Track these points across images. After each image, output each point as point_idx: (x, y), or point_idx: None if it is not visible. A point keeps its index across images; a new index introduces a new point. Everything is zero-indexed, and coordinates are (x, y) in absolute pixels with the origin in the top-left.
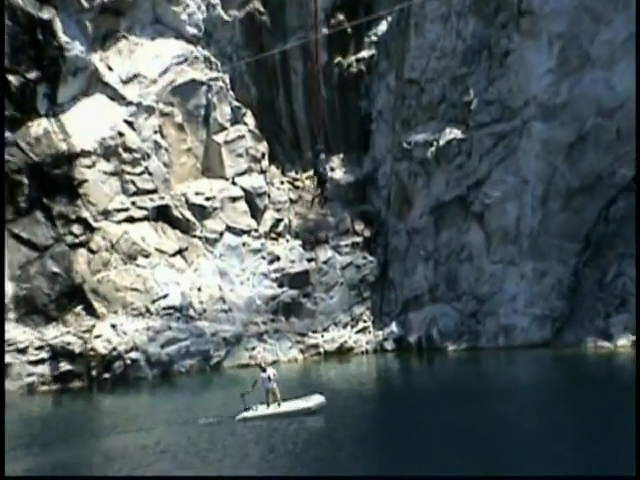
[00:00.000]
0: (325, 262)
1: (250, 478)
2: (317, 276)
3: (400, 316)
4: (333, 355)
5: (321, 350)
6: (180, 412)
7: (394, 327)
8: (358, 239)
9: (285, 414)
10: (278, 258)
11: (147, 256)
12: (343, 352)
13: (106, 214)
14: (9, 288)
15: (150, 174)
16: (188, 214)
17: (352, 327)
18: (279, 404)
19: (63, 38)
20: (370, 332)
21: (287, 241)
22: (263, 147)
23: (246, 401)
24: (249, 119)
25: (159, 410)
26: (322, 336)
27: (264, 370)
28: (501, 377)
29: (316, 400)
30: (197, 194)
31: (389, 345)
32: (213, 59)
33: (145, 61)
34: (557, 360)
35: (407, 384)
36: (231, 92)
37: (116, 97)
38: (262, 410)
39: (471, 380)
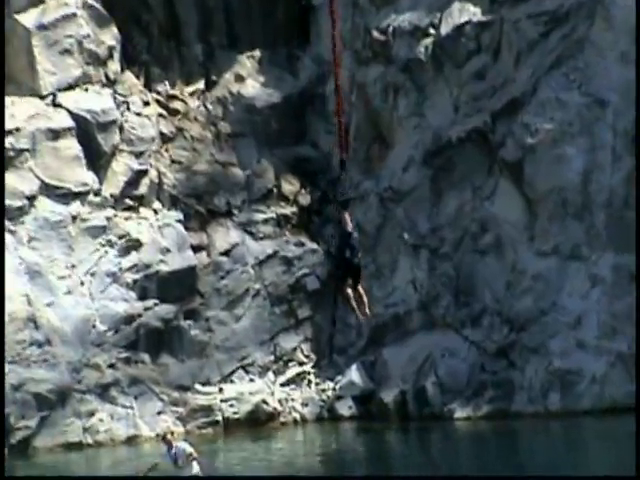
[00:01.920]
0: (226, 252)
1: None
2: (211, 279)
3: (367, 354)
4: (241, 427)
5: (219, 417)
6: None
7: (355, 375)
8: (289, 210)
9: None
10: (138, 245)
11: None
12: (260, 421)
13: None
14: None
15: None
16: None
17: (277, 374)
18: None
19: None
20: (311, 384)
21: (155, 213)
22: (112, 37)
23: None
24: None
25: None
26: (220, 391)
27: (170, 446)
28: None
29: None
30: None
31: (345, 408)
32: None
33: None
34: None
35: None
36: None
37: None
38: None
39: None
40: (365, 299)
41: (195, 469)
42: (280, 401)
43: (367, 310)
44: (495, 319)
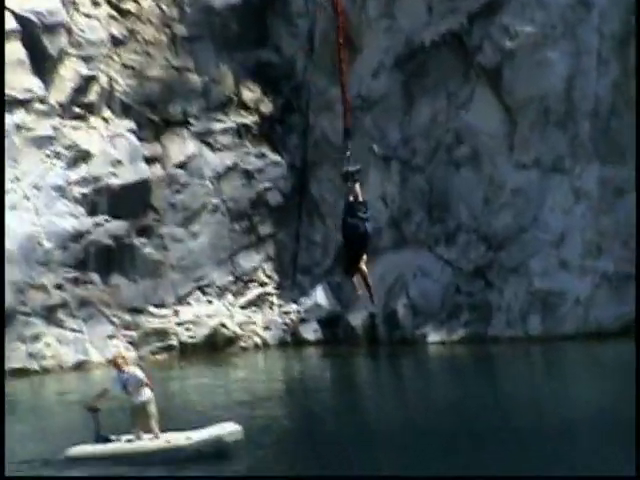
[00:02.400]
0: (182, 165)
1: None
2: (166, 193)
3: (333, 274)
4: (198, 352)
5: (174, 342)
6: None
7: (321, 296)
8: (249, 119)
9: (171, 455)
10: (87, 156)
11: None
12: (218, 346)
13: None
14: None
15: None
16: None
17: (236, 296)
18: (157, 435)
19: None
20: (273, 306)
21: (106, 122)
22: None
23: (99, 421)
24: None
25: None
26: (175, 313)
27: (120, 370)
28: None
29: (228, 431)
30: None
31: (310, 332)
32: None
33: None
34: None
35: (357, 418)
36: None
37: None
38: (125, 445)
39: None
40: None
41: (146, 396)
42: (240, 325)
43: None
44: (471, 236)
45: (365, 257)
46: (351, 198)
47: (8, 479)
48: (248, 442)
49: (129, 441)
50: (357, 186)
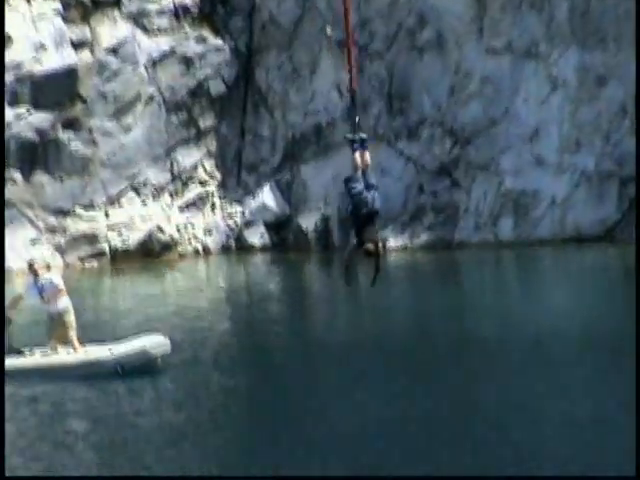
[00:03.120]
0: (114, 50)
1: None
2: (95, 82)
3: (282, 172)
4: (131, 258)
5: (104, 247)
6: None
7: (268, 197)
8: None
9: (90, 369)
10: (8, 41)
11: None
12: (154, 252)
13: None
14: None
15: None
16: None
17: (174, 196)
18: (75, 348)
19: None
20: (215, 208)
21: (29, 3)
22: None
23: (11, 333)
24: None
25: None
26: (106, 216)
27: (37, 275)
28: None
29: (154, 342)
30: None
31: (256, 237)
32: None
33: None
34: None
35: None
36: None
37: None
38: (39, 359)
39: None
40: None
41: (63, 304)
42: (178, 228)
43: (379, 273)
44: (436, 130)
45: (378, 235)
46: (359, 171)
47: (8, 479)
48: (179, 356)
49: (44, 354)
50: (367, 155)
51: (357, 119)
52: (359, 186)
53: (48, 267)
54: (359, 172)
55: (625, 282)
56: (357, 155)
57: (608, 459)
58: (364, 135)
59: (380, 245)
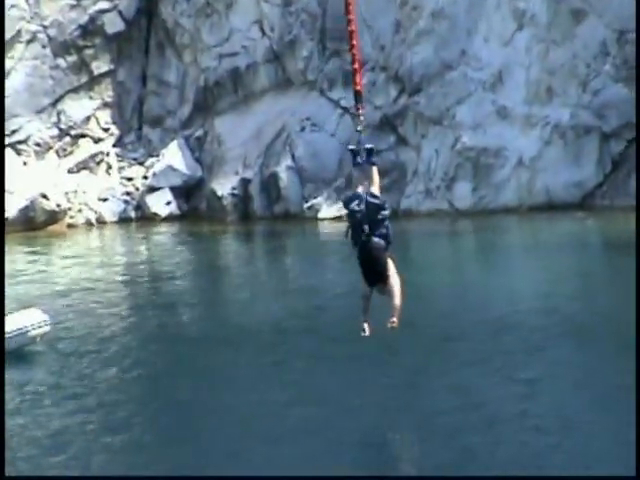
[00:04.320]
0: None
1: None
2: None
3: (192, 126)
4: (11, 230)
5: None
6: None
7: (176, 156)
8: None
9: None
10: None
11: None
12: (37, 223)
13: None
14: None
15: None
16: None
17: (61, 156)
18: None
19: None
20: (111, 170)
21: None
22: None
23: None
24: None
25: None
26: None
27: None
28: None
29: (32, 320)
30: None
31: (161, 205)
32: None
33: None
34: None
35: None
36: None
37: None
38: None
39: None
40: (396, 294)
41: None
42: (67, 194)
43: (394, 318)
44: (378, 76)
45: (392, 264)
46: (360, 189)
47: (8, 479)
48: (58, 340)
49: None
50: (374, 172)
51: (362, 124)
52: (358, 208)
53: None
54: (360, 191)
55: (605, 259)
56: (358, 173)
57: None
58: (370, 145)
59: (392, 281)
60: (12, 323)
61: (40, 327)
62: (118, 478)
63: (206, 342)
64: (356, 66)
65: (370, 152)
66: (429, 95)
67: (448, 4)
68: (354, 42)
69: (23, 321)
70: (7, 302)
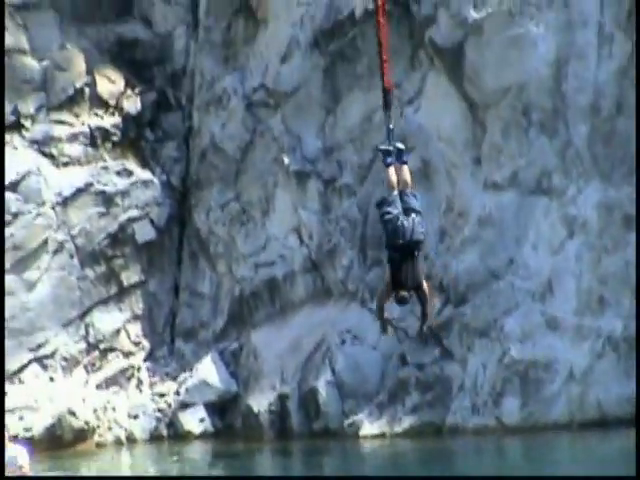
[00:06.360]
0: (13, 186)
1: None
2: None
3: (227, 339)
4: (37, 449)
5: None
6: None
7: (210, 371)
8: (108, 121)
9: None
10: None
11: None
12: (64, 442)
13: None
14: None
15: None
16: None
17: (90, 371)
18: None
19: None
20: (142, 385)
21: None
22: None
23: None
24: None
25: None
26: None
27: None
28: None
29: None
30: None
31: (195, 422)
32: None
33: None
34: None
35: None
36: None
37: None
38: None
39: None
40: (430, 298)
41: None
42: (96, 411)
43: (427, 322)
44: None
45: (421, 273)
46: (395, 191)
47: (8, 479)
48: None
49: None
50: (406, 171)
51: (391, 126)
52: (395, 210)
53: None
54: (395, 192)
55: None
56: (392, 171)
57: None
58: (401, 145)
59: (425, 286)
60: None
61: None
62: (117, 478)
63: None
64: (385, 58)
65: (401, 151)
66: (475, 306)
67: (496, 210)
68: (382, 40)
69: None
70: None
